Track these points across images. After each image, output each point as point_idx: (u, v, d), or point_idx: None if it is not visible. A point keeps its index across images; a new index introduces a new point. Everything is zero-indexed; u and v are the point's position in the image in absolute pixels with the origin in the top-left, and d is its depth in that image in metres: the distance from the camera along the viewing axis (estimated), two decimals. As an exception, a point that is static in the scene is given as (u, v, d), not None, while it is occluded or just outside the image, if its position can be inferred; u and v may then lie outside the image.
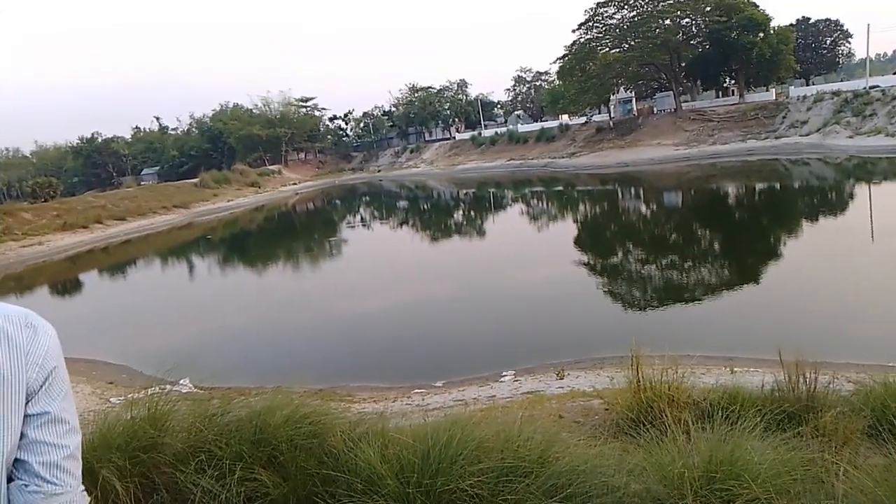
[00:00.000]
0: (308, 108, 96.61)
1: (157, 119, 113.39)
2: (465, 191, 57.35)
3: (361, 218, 46.69)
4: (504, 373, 10.51)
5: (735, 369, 8.66)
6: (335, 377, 11.44)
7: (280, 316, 18.46)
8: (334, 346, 14.74)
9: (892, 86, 45.89)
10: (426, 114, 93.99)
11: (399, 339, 14.48)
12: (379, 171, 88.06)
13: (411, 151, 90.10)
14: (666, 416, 4.96)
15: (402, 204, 55.16)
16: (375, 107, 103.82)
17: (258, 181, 72.79)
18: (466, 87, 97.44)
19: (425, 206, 51.32)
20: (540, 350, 12.04)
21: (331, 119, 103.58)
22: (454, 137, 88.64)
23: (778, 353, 5.65)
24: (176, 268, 32.54)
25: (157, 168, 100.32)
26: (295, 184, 79.62)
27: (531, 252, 25.36)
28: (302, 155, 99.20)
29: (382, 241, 33.69)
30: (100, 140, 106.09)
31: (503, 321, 15.04)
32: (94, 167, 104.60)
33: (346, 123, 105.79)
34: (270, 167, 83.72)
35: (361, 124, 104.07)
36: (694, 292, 16.12)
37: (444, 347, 13.61)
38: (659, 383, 5.50)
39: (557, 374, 9.57)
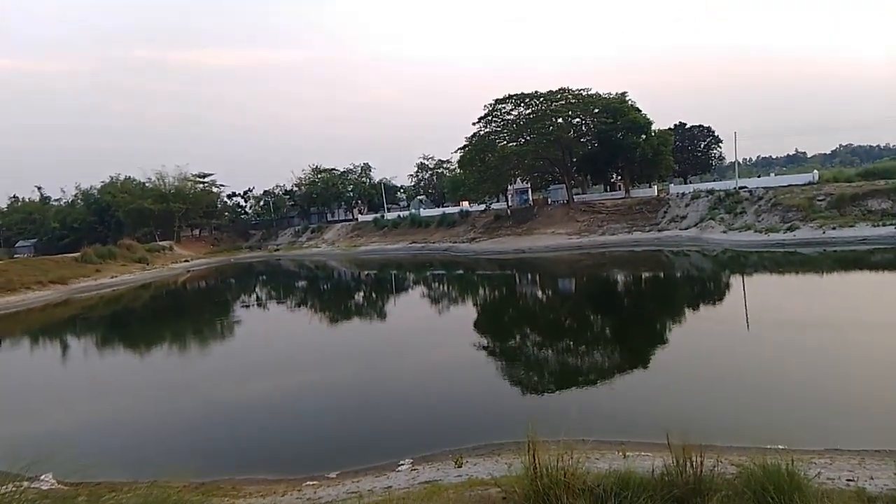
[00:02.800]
0: (205, 185, 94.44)
1: (39, 189, 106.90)
2: (366, 272, 57.09)
3: (257, 298, 45.12)
4: (401, 461, 10.16)
5: (627, 453, 8.80)
6: (219, 469, 10.67)
7: (162, 402, 17.13)
8: (220, 434, 13.77)
9: (757, 187, 51.16)
10: (329, 195, 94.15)
11: (292, 427, 13.75)
12: (277, 249, 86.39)
13: (312, 231, 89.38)
14: (562, 504, 4.92)
15: (301, 284, 53.97)
16: (277, 185, 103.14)
17: (146, 257, 69.28)
18: (370, 170, 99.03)
19: (324, 287, 50.44)
20: (439, 436, 11.81)
21: (229, 196, 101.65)
22: (357, 219, 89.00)
23: (666, 437, 5.79)
24: (46, 349, 29.79)
25: (35, 240, 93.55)
26: (187, 261, 76.35)
27: (431, 335, 25.30)
28: (196, 231, 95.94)
29: (278, 323, 32.54)
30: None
31: (402, 406, 14.71)
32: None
33: (246, 201, 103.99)
34: (161, 243, 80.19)
35: (261, 202, 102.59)
36: (588, 376, 16.52)
37: (340, 435, 13.03)
38: (555, 470, 5.46)
39: (456, 462, 9.35)
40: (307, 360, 21.38)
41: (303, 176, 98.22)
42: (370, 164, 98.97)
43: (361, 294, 43.52)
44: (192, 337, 29.38)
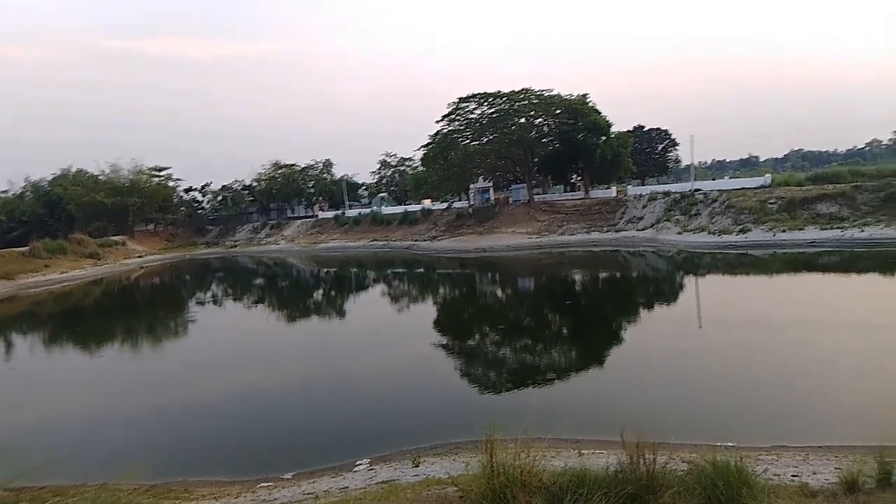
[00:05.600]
0: (162, 178, 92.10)
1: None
2: (326, 270, 56.61)
3: (213, 295, 44.28)
4: (358, 461, 10.12)
5: (582, 451, 8.94)
6: (171, 470, 10.45)
7: (113, 402, 16.67)
8: (173, 435, 13.47)
9: (711, 190, 52.49)
10: (289, 190, 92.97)
11: (247, 428, 13.51)
12: (235, 246, 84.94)
13: (271, 227, 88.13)
14: (519, 502, 4.96)
15: (259, 281, 53.17)
16: (235, 180, 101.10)
17: (98, 252, 67.21)
18: (331, 166, 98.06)
19: (283, 285, 49.81)
20: (396, 435, 11.78)
21: (186, 190, 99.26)
22: (317, 216, 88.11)
23: (621, 435, 5.89)
24: (-11, 346, 28.73)
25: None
26: (140, 256, 74.48)
27: (390, 334, 25.24)
28: (151, 226, 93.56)
29: (234, 322, 31.96)
30: None
31: (359, 406, 14.62)
32: None
33: (203, 195, 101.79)
34: (114, 238, 77.84)
35: (219, 197, 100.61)
36: (545, 374, 16.69)
37: (296, 435, 12.89)
38: (512, 468, 5.50)
39: (413, 462, 9.36)
40: (263, 360, 21.07)
41: (262, 171, 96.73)
42: (331, 160, 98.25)
43: (320, 292, 43.14)
44: (145, 335, 28.69)
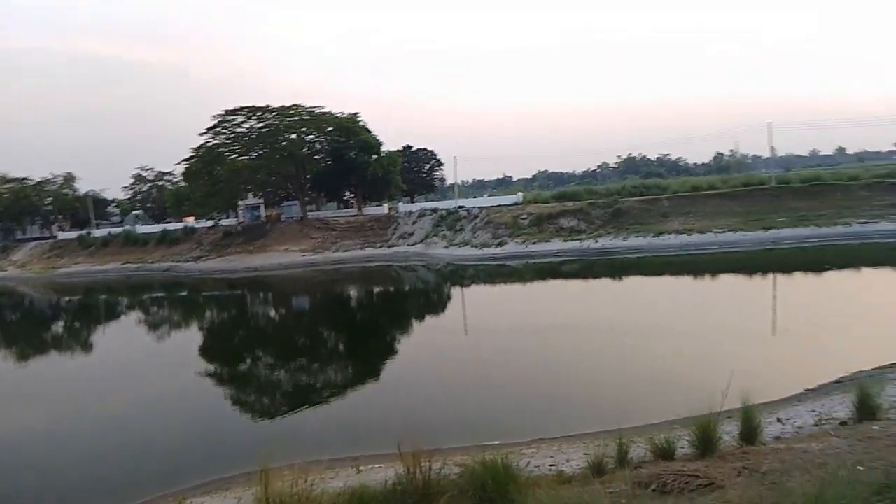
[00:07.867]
0: None
1: None
2: (68, 298, 49.72)
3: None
4: (111, 512, 8.90)
5: (361, 468, 8.87)
6: None
7: None
8: None
9: (473, 206, 56.48)
10: (18, 209, 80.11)
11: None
12: (-57, 275, 71.02)
13: (-4, 252, 75.22)
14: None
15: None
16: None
17: None
18: (74, 181, 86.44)
19: (10, 318, 42.55)
20: (156, 477, 10.61)
21: None
22: (56, 237, 77.29)
23: (398, 447, 5.93)
24: None
25: None
26: None
27: (146, 366, 22.65)
28: None
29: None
30: None
31: (110, 448, 12.91)
32: None
33: None
34: None
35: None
36: (321, 394, 16.43)
37: (31, 490, 10.98)
38: (289, 497, 5.22)
39: (177, 504, 8.49)
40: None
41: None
42: (74, 173, 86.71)
43: (60, 324, 37.68)
44: None
